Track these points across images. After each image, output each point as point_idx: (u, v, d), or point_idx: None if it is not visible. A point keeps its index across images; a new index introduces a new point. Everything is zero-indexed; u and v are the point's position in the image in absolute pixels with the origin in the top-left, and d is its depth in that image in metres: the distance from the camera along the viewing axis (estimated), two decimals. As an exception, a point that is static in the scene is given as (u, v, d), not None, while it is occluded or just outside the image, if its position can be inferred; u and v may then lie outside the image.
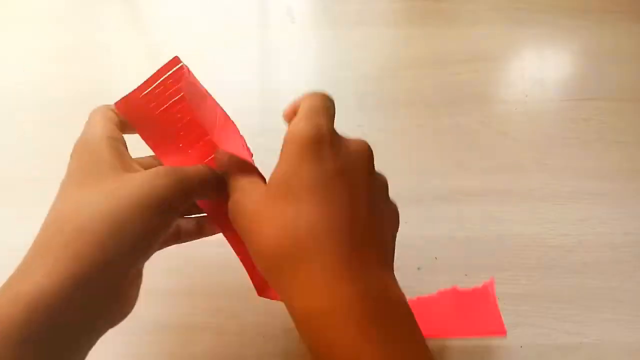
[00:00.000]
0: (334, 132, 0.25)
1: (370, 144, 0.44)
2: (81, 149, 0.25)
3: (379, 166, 0.42)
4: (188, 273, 0.36)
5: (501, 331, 0.33)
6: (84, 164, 0.24)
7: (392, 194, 0.38)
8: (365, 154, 0.26)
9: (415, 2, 0.48)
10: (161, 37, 0.48)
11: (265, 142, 0.42)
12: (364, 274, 0.22)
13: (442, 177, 0.40)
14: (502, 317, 0.34)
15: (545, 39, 0.47)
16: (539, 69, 0.45)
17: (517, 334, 0.33)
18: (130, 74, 0.46)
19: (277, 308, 0.35)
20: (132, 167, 0.24)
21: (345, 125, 0.42)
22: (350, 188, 0.23)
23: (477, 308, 0.36)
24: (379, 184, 0.27)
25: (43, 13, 0.49)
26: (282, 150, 0.24)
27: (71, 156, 0.25)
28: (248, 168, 0.26)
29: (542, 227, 0.38)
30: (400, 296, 0.23)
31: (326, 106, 0.25)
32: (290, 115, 0.27)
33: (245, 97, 0.45)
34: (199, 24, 0.48)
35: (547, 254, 0.36)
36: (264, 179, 0.26)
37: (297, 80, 0.46)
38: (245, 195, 0.25)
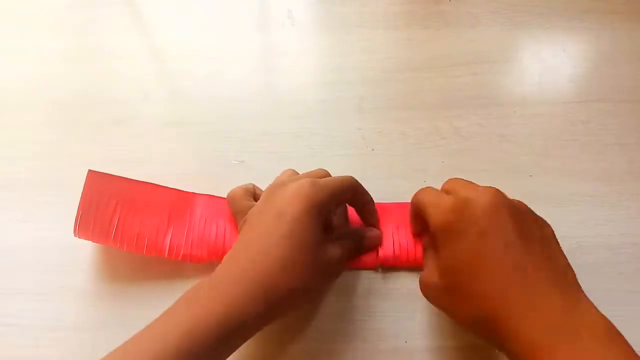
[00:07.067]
0: (453, 209, 0.29)
1: (370, 146, 0.44)
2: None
3: (379, 167, 0.42)
4: (190, 274, 0.37)
5: None
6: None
7: (390, 197, 0.39)
8: (489, 201, 0.28)
9: (415, 4, 0.49)
10: (161, 38, 0.48)
11: (266, 144, 0.43)
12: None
13: (441, 180, 0.40)
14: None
15: (544, 41, 0.47)
16: (538, 71, 0.46)
17: (515, 335, 0.33)
18: (130, 75, 0.46)
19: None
20: None
21: (345, 128, 0.43)
22: (494, 239, 0.27)
23: None
24: (522, 211, 0.29)
25: (43, 13, 0.49)
26: (438, 240, 0.29)
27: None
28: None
29: (540, 228, 0.38)
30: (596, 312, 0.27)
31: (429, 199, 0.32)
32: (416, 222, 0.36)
33: (245, 100, 0.45)
34: (198, 26, 0.49)
35: (545, 255, 0.37)
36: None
37: (297, 83, 0.46)
38: (430, 277, 0.31)
